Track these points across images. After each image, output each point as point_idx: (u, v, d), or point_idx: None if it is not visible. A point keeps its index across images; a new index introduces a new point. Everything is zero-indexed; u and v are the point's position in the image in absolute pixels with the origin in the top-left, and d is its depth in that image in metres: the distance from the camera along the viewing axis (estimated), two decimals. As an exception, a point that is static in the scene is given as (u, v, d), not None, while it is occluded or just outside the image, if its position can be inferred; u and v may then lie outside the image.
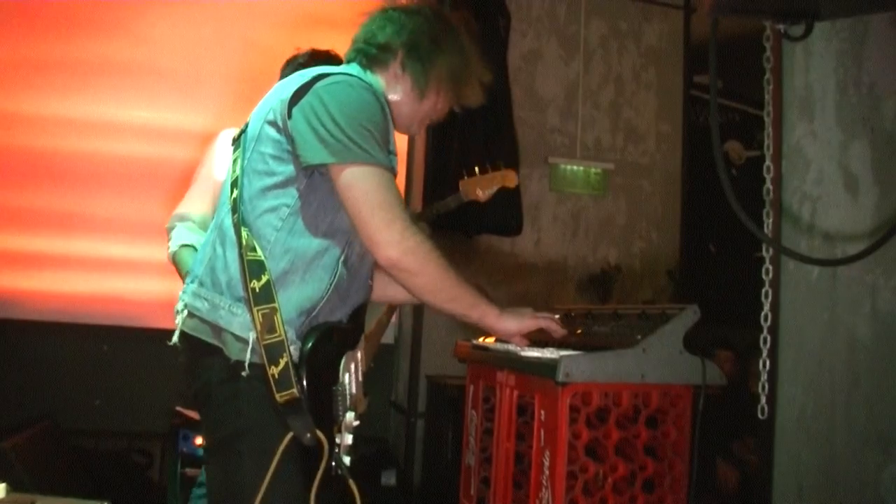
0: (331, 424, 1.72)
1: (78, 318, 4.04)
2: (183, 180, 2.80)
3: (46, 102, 4.08)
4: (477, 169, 2.93)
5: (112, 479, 3.87)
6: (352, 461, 1.79)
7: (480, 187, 2.91)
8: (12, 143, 4.05)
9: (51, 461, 3.42)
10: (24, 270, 4.00)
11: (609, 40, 5.07)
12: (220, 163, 2.52)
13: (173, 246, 2.47)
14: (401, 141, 4.64)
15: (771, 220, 2.23)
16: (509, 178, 2.96)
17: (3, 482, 2.30)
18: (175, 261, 2.45)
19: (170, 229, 2.54)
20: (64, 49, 4.11)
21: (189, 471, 3.38)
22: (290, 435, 1.63)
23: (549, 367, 1.97)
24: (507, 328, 1.92)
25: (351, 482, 1.73)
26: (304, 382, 1.64)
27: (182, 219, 2.52)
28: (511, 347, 2.26)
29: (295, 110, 1.69)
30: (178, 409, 3.52)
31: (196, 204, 2.54)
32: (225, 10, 4.32)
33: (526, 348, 2.11)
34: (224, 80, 4.21)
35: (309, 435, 1.63)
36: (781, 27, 1.74)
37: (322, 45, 2.61)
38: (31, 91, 4.07)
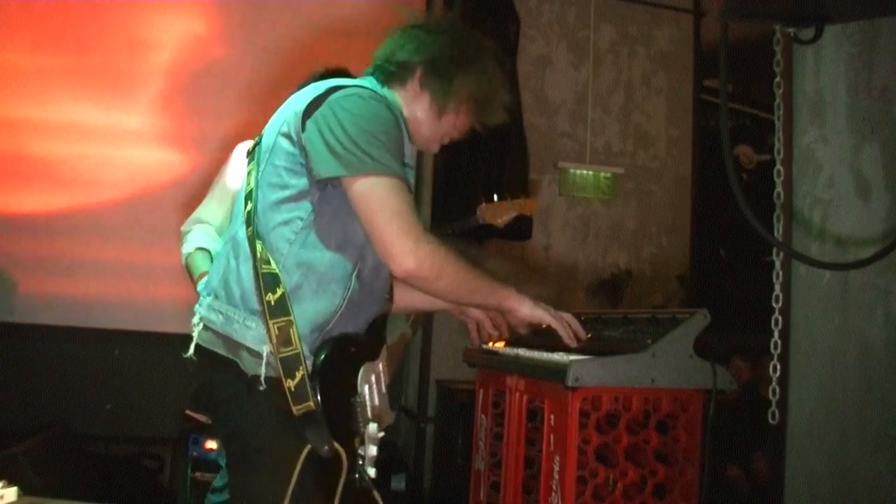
0: (351, 436, 1.71)
1: (89, 323, 4.06)
2: (198, 186, 2.81)
3: (61, 108, 4.11)
4: (496, 197, 2.93)
5: (123, 483, 3.88)
6: (377, 473, 1.78)
7: (498, 214, 2.91)
8: (25, 147, 4.08)
9: (62, 466, 3.43)
10: (36, 274, 4.02)
11: (619, 45, 5.06)
12: (237, 172, 2.52)
13: (189, 247, 2.47)
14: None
15: (781, 225, 2.23)
16: (527, 206, 2.96)
17: (14, 486, 2.32)
18: (188, 262, 2.45)
19: (185, 232, 2.54)
20: (79, 55, 4.14)
21: (199, 475, 3.39)
22: (307, 448, 1.62)
23: (559, 371, 1.96)
24: (519, 312, 1.92)
25: (375, 493, 1.73)
26: (320, 395, 1.63)
27: (200, 221, 2.53)
28: (521, 352, 2.25)
29: (308, 123, 1.68)
30: (189, 413, 3.53)
31: (213, 209, 2.54)
32: (248, 18, 4.34)
33: (535, 351, 2.10)
34: (244, 87, 4.22)
35: (326, 447, 1.62)
36: (791, 31, 1.73)
37: (343, 55, 2.61)
38: (47, 96, 4.10)
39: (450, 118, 1.90)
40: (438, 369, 4.38)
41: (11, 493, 2.28)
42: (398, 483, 4.10)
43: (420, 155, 4.56)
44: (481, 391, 2.56)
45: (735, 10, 1.67)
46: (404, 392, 4.69)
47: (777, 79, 2.18)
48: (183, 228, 2.58)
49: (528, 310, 1.92)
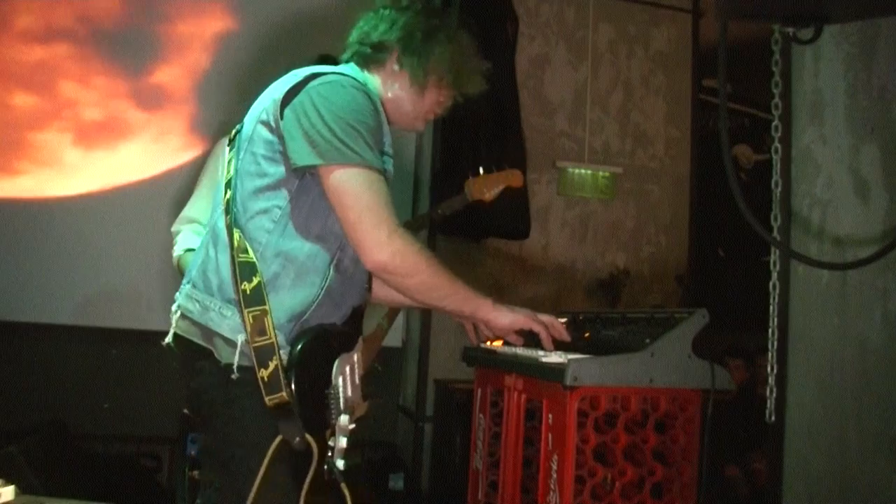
0: (323, 428, 1.71)
1: (87, 322, 4.05)
2: (193, 181, 2.81)
3: (57, 101, 4.10)
4: (482, 169, 2.96)
5: (121, 482, 3.87)
6: (347, 465, 1.76)
7: (486, 187, 2.94)
8: (26, 145, 4.07)
9: (59, 465, 3.43)
10: (34, 273, 4.01)
11: (617, 45, 5.06)
12: (222, 166, 2.51)
13: (178, 250, 2.47)
14: (409, 145, 4.64)
15: (780, 224, 2.22)
16: (514, 178, 3.00)
17: (11, 485, 2.31)
18: (180, 265, 2.46)
19: (175, 233, 2.54)
20: (78, 51, 4.13)
21: (197, 474, 3.38)
22: (278, 439, 1.62)
23: (558, 370, 1.96)
24: (499, 322, 1.88)
25: (343, 486, 1.72)
26: (294, 386, 1.63)
27: (190, 221, 2.52)
28: (519, 351, 2.25)
29: (287, 110, 1.68)
30: (187, 412, 3.52)
31: (202, 205, 2.53)
32: (252, 12, 4.34)
33: (540, 351, 2.10)
34: (247, 79, 4.20)
35: (298, 439, 1.62)
36: (790, 31, 1.73)
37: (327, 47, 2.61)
38: (37, 87, 4.09)
39: (431, 93, 1.90)
40: (437, 368, 4.37)
41: (9, 492, 2.28)
42: (396, 483, 4.09)
43: (419, 156, 4.57)
44: (480, 390, 2.56)
45: (734, 10, 1.67)
46: (403, 391, 4.69)
47: (775, 79, 2.18)
48: (173, 229, 2.58)
49: (507, 319, 1.89)
